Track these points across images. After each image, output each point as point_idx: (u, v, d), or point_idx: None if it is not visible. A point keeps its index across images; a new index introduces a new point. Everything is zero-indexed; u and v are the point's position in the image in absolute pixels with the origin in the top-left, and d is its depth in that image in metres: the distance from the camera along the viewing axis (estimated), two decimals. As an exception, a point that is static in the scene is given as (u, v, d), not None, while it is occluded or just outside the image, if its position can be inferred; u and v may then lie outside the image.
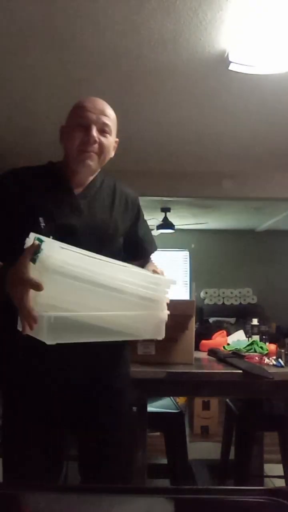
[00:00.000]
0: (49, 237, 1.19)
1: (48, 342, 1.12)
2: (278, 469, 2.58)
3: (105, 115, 1.48)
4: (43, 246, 1.11)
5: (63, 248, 1.17)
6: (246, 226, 7.42)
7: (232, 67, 2.46)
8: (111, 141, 1.49)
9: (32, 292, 1.10)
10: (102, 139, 1.45)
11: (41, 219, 1.35)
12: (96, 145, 1.44)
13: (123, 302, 1.24)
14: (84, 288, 1.17)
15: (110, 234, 1.49)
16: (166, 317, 1.32)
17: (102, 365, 1.43)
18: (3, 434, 1.43)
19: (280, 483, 2.55)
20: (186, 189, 4.65)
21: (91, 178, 1.52)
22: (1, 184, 1.46)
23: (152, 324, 1.32)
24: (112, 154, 1.53)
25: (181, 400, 2.54)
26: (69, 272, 1.14)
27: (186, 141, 3.78)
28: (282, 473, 2.45)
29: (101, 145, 1.45)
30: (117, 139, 1.55)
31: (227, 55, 2.37)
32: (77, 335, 1.20)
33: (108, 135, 1.47)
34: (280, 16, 2.05)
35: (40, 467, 1.34)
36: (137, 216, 1.61)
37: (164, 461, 2.35)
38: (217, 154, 4.10)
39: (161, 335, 1.34)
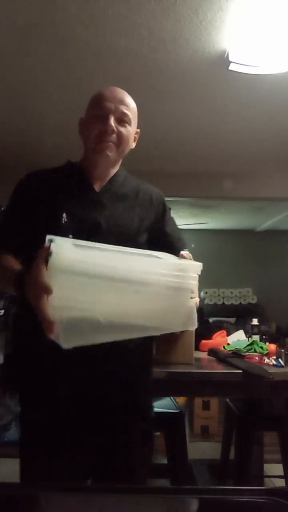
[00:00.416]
0: (70, 234, 1.18)
1: (64, 346, 1.05)
2: (278, 469, 2.58)
3: (124, 104, 1.44)
4: (52, 246, 1.06)
5: (77, 245, 1.13)
6: (246, 226, 7.42)
7: (232, 67, 2.46)
8: (130, 131, 1.45)
9: (48, 296, 1.05)
10: (121, 129, 1.41)
11: (63, 217, 1.34)
12: (114, 135, 1.40)
13: (146, 295, 1.15)
14: (99, 285, 1.09)
15: (134, 229, 1.44)
16: (194, 305, 1.22)
17: (128, 369, 1.37)
18: (22, 437, 1.39)
19: (280, 483, 2.56)
20: (186, 189, 4.65)
21: (112, 171, 1.48)
22: (22, 186, 1.47)
23: (181, 314, 1.21)
24: (132, 145, 1.50)
25: (181, 400, 2.53)
26: (81, 270, 1.07)
27: (186, 141, 3.78)
28: (282, 473, 2.45)
29: (119, 135, 1.41)
30: (138, 130, 1.52)
31: (227, 55, 2.37)
32: (98, 335, 1.11)
33: (127, 125, 1.43)
34: (280, 16, 2.05)
35: (62, 471, 1.30)
36: (163, 213, 1.57)
37: (164, 461, 2.35)
38: (217, 154, 4.10)
39: (193, 325, 1.23)
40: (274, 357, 2.15)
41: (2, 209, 1.55)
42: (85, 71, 2.65)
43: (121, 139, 1.42)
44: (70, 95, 2.92)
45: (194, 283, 1.21)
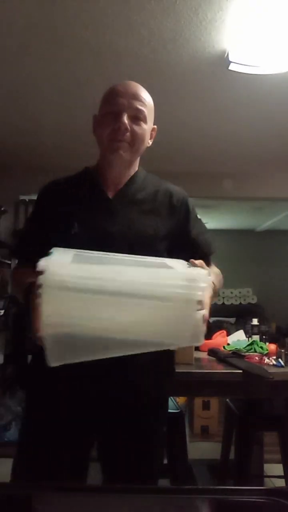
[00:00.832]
0: (81, 244, 1.13)
1: (51, 364, 1.00)
2: (278, 469, 2.58)
3: (138, 99, 1.34)
4: (44, 261, 1.01)
5: (79, 256, 1.09)
6: (246, 226, 7.42)
7: (232, 67, 2.46)
8: (145, 129, 1.35)
9: (40, 313, 1.00)
10: (135, 127, 1.32)
11: (74, 227, 1.30)
12: (128, 134, 1.31)
13: (147, 308, 1.05)
14: (93, 299, 1.02)
15: (150, 236, 1.33)
16: (201, 318, 1.06)
17: (141, 378, 1.31)
18: (22, 435, 1.38)
19: (280, 483, 2.55)
20: (186, 189, 4.63)
21: (129, 173, 1.40)
22: (40, 196, 1.45)
23: (186, 328, 1.08)
24: (149, 143, 1.41)
25: (181, 400, 2.53)
26: (74, 285, 1.01)
27: (186, 141, 3.78)
28: (282, 473, 2.45)
29: (133, 133, 1.32)
30: (155, 126, 1.42)
31: (227, 55, 2.37)
32: (91, 352, 1.04)
33: (142, 123, 1.33)
34: (280, 16, 2.05)
35: (63, 470, 1.28)
36: (187, 216, 1.44)
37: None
38: (217, 154, 4.10)
39: (198, 341, 1.09)
40: (274, 357, 2.15)
41: (3, 209, 1.54)
42: (85, 71, 2.65)
43: (135, 138, 1.33)
44: (70, 95, 2.92)
45: (201, 294, 1.07)
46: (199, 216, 1.50)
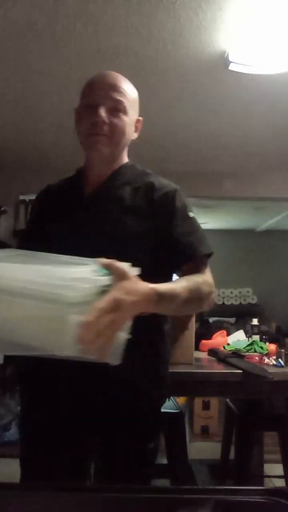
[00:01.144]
0: (57, 246, 1.05)
1: None
2: (278, 469, 2.58)
3: (117, 90, 1.27)
4: None
5: (14, 255, 1.04)
6: (246, 226, 7.42)
7: (232, 67, 2.46)
8: (125, 120, 1.28)
9: None
10: (114, 119, 1.26)
11: (54, 227, 1.29)
12: (106, 127, 1.25)
13: (26, 309, 0.95)
14: None
15: (125, 235, 1.24)
16: (75, 322, 0.87)
17: (129, 370, 1.20)
18: (21, 435, 1.38)
19: (280, 483, 2.55)
20: (186, 189, 4.63)
21: (112, 168, 1.33)
22: (34, 199, 1.48)
23: (60, 333, 0.90)
24: (134, 135, 1.35)
25: (181, 400, 2.53)
26: None
27: (186, 141, 3.78)
28: (282, 473, 2.45)
29: (112, 126, 1.26)
30: (140, 118, 1.37)
31: (227, 55, 2.37)
32: None
33: (121, 114, 1.27)
34: (280, 16, 2.05)
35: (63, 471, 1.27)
36: (171, 213, 1.28)
37: (164, 461, 2.35)
38: (217, 154, 4.10)
39: (80, 350, 0.89)
40: (274, 357, 2.15)
41: (3, 209, 1.56)
42: (85, 71, 2.64)
43: (114, 131, 1.26)
44: (70, 95, 2.92)
45: (74, 296, 0.89)
46: (192, 214, 1.33)
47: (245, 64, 2.44)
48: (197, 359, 2.14)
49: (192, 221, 1.33)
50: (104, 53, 2.44)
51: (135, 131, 1.37)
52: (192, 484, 2.59)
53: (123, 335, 1.00)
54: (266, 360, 2.12)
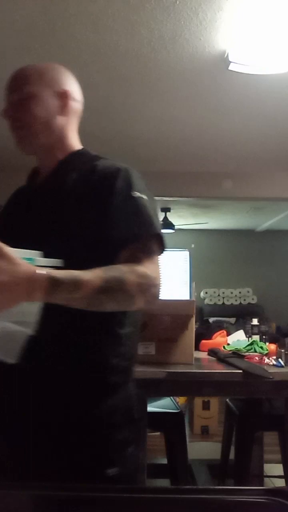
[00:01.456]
0: (9, 242, 0.98)
1: None
2: (278, 469, 2.58)
3: (16, 82, 1.20)
4: None
5: None
6: (246, 226, 7.42)
7: (232, 67, 2.46)
8: (32, 107, 1.17)
9: None
10: (20, 111, 1.18)
11: (5, 226, 1.25)
12: (16, 124, 1.19)
13: None
14: None
15: (62, 224, 1.13)
16: None
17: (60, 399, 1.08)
18: None
19: (280, 483, 2.55)
20: (186, 189, 4.65)
21: (55, 160, 1.22)
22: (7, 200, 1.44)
23: None
24: (57, 112, 1.19)
25: (181, 400, 2.53)
26: None
27: (186, 141, 3.78)
28: (282, 473, 2.45)
29: (18, 119, 1.19)
30: (63, 90, 1.21)
31: (227, 55, 2.37)
32: None
33: (25, 102, 1.17)
34: (280, 16, 2.05)
35: None
36: (110, 194, 1.11)
37: (164, 461, 2.35)
38: (217, 154, 4.10)
39: None
40: (274, 357, 2.15)
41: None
42: (85, 71, 2.65)
43: (23, 122, 1.18)
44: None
45: None
46: (137, 194, 1.13)
47: (245, 64, 2.44)
48: (197, 359, 2.14)
49: (136, 201, 1.11)
50: (104, 53, 2.44)
51: (62, 106, 1.20)
52: (192, 484, 2.59)
53: (25, 331, 0.92)
54: (266, 360, 2.12)
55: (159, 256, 1.14)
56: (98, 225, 1.10)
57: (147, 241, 1.11)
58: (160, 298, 1.09)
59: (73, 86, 1.25)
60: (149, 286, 1.04)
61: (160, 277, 1.09)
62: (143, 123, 3.41)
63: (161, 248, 1.15)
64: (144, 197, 1.14)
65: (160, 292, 1.08)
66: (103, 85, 2.77)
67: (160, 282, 1.08)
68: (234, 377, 1.92)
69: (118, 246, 1.09)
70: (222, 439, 2.81)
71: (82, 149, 1.26)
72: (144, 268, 1.05)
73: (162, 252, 1.15)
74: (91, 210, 1.11)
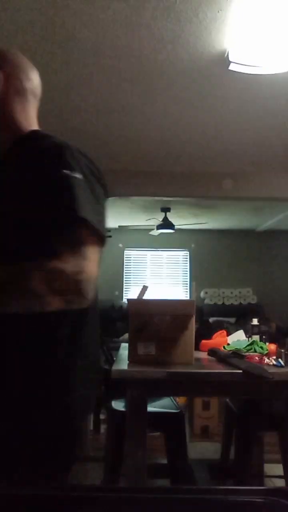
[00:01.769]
0: None
1: None
2: (278, 469, 2.58)
3: None
4: None
5: None
6: (246, 226, 7.42)
7: (232, 67, 2.46)
8: None
9: None
10: None
11: None
12: None
13: None
14: None
15: (11, 215, 1.02)
16: None
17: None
18: None
19: (280, 483, 2.55)
20: (186, 189, 4.65)
21: (11, 141, 1.15)
22: None
23: None
24: (3, 99, 1.15)
25: (181, 400, 2.53)
26: None
27: (186, 141, 3.78)
28: (282, 473, 2.45)
29: None
30: (3, 70, 1.18)
31: (227, 55, 2.37)
32: None
33: None
34: (280, 16, 2.05)
35: None
36: (36, 173, 1.02)
37: (164, 461, 2.35)
38: (217, 154, 4.10)
39: None
40: (274, 357, 2.15)
41: None
42: (85, 71, 2.65)
43: None
44: (70, 95, 2.92)
45: None
46: (67, 172, 1.00)
47: (245, 64, 2.44)
48: (197, 359, 2.14)
49: (61, 181, 0.99)
50: (104, 53, 2.44)
51: (8, 87, 1.16)
52: (192, 484, 2.59)
53: None
54: (266, 360, 2.12)
55: (90, 246, 0.97)
56: (23, 212, 0.99)
57: (70, 227, 0.96)
58: (93, 295, 0.98)
59: (20, 67, 1.22)
60: (66, 285, 0.92)
61: (86, 271, 0.94)
62: (142, 123, 3.41)
63: (92, 236, 0.98)
64: (77, 176, 1.00)
65: (87, 289, 0.95)
66: (103, 85, 2.77)
67: (86, 278, 0.94)
68: (234, 377, 1.92)
69: (37, 234, 0.96)
70: (222, 439, 2.81)
71: (36, 130, 1.18)
72: (61, 262, 0.92)
73: (96, 241, 0.99)
74: (25, 195, 1.01)
